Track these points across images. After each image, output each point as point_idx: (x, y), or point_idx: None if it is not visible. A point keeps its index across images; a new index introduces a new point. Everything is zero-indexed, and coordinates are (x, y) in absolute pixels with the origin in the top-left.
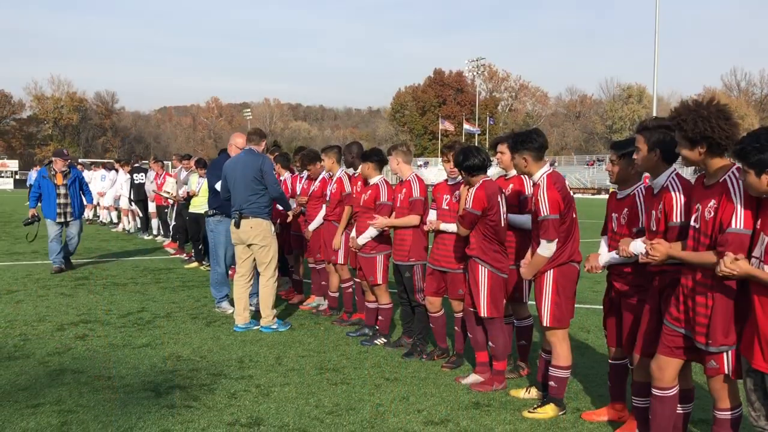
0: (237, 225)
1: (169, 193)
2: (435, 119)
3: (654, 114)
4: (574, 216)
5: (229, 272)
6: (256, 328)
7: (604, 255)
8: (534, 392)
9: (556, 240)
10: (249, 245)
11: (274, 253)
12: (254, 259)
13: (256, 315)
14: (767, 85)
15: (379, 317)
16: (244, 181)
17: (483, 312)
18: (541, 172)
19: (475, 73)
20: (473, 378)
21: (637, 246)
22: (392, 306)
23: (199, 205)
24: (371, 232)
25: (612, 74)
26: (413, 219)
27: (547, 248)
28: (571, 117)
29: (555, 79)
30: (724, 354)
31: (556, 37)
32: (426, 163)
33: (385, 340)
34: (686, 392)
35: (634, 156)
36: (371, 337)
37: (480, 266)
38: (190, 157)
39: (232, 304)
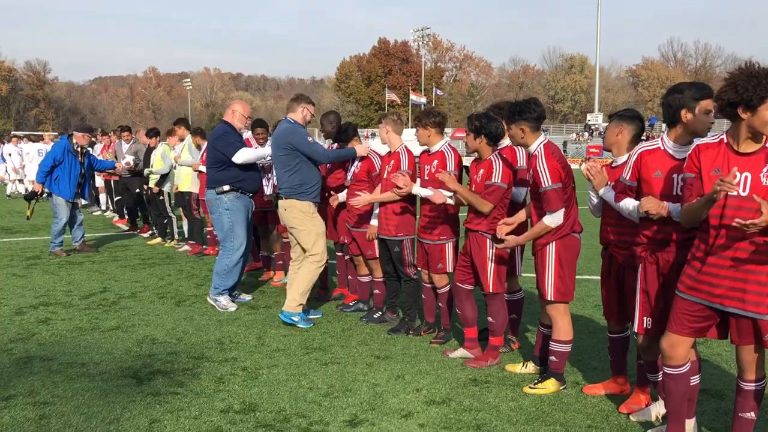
0: (275, 206)
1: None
2: (381, 90)
3: (596, 84)
4: (573, 185)
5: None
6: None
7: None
8: (531, 367)
9: (563, 209)
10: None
11: (315, 237)
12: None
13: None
14: (701, 55)
15: (375, 290)
16: (275, 157)
17: (490, 287)
18: (538, 143)
19: (420, 43)
20: (461, 352)
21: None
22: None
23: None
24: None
25: (555, 44)
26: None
27: (552, 218)
28: (515, 87)
29: (499, 49)
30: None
31: (499, 7)
32: (373, 134)
33: (381, 313)
34: (695, 363)
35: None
36: (369, 311)
37: (488, 240)
38: (129, 129)
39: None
